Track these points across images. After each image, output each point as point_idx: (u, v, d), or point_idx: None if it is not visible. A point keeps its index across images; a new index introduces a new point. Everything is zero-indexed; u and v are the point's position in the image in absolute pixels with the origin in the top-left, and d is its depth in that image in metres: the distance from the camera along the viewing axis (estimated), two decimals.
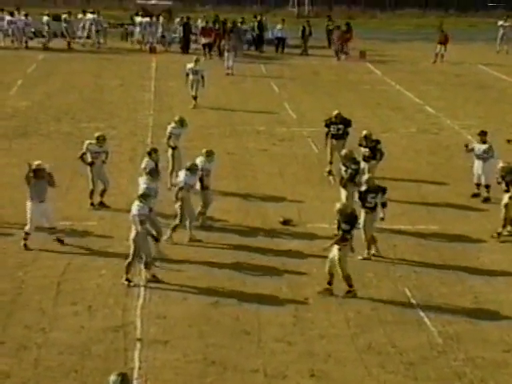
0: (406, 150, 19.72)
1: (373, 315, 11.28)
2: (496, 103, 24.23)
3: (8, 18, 33.20)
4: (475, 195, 16.05)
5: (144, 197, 12.10)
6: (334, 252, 11.66)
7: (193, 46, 33.63)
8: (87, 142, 15.23)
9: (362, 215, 12.98)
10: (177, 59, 31.59)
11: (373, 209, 13.03)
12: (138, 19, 34.45)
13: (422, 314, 11.37)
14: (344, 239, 11.64)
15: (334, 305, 11.52)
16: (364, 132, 16.19)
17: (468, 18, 44.27)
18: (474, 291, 12.11)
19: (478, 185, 16.10)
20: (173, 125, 16.39)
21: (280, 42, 33.84)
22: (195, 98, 23.14)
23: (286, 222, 14.58)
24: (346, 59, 32.02)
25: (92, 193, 15.20)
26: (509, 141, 16.67)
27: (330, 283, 11.77)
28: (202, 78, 22.91)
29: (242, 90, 26.48)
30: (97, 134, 15.38)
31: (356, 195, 13.39)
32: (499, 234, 14.10)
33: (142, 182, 13.22)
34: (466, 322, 11.16)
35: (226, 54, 29.21)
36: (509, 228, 14.17)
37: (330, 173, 17.16)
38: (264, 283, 12.16)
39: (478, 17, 43.55)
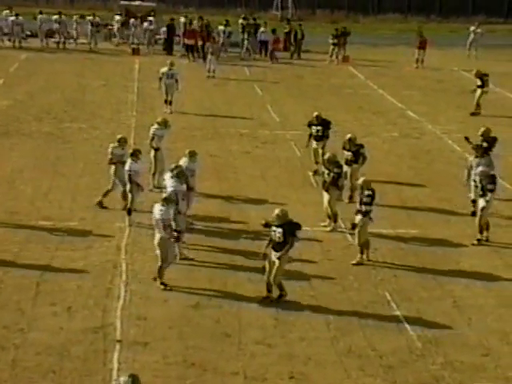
0: (387, 154, 19.82)
1: (353, 318, 11.32)
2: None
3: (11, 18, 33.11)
4: (474, 213, 15.05)
5: (167, 201, 11.99)
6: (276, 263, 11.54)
7: (176, 47, 33.61)
8: (111, 145, 15.22)
9: (357, 219, 13.01)
10: (160, 60, 31.51)
11: (367, 213, 13.03)
12: (117, 18, 34.43)
13: (401, 317, 11.42)
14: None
15: (315, 308, 11.55)
16: (348, 135, 16.25)
17: (449, 24, 44.54)
18: (453, 295, 12.19)
19: (475, 201, 15.04)
20: (156, 126, 16.36)
21: (263, 45, 33.87)
22: (170, 102, 22.84)
23: (267, 225, 14.57)
24: (273, 63, 32.19)
25: (107, 193, 15.13)
26: (466, 138, 16.77)
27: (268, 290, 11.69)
28: (177, 81, 22.69)
29: (226, 93, 26.49)
30: (119, 136, 15.46)
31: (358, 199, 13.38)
32: (479, 241, 14.18)
33: (169, 185, 13.07)
34: (445, 326, 11.23)
35: (208, 56, 29.18)
36: (485, 233, 14.26)
37: (315, 172, 17.25)
38: (245, 285, 12.16)
39: (459, 22, 43.80)
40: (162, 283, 11.91)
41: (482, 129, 16.85)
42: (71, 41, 33.94)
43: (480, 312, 11.69)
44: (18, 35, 33.05)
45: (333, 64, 32.53)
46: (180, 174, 13.15)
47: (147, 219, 14.43)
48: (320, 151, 17.26)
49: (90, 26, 33.40)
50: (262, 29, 33.90)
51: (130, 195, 14.26)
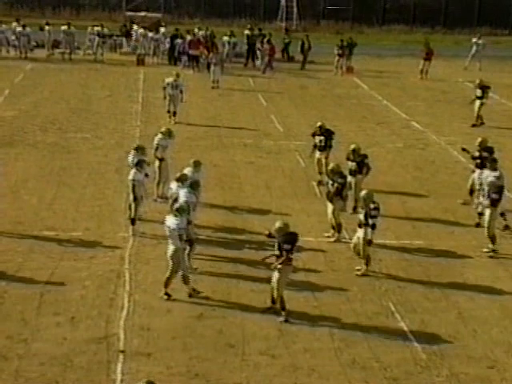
0: (391, 165, 19.80)
1: (357, 330, 11.28)
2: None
3: (18, 29, 33.28)
4: (478, 225, 15.16)
5: (180, 211, 11.91)
6: (275, 274, 11.46)
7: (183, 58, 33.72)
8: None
9: (362, 232, 12.91)
10: (165, 71, 31.61)
11: (374, 225, 12.93)
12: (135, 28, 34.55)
13: (406, 329, 11.37)
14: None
15: (319, 318, 11.51)
16: (352, 146, 16.22)
17: (454, 35, 44.62)
18: (458, 307, 12.14)
19: (481, 214, 14.99)
20: (160, 136, 16.37)
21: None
22: (174, 113, 22.90)
23: (271, 236, 14.55)
24: (264, 73, 32.22)
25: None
26: (464, 149, 16.75)
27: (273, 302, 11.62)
28: (181, 92, 22.75)
29: (230, 103, 26.53)
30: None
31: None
32: (494, 251, 14.06)
33: (183, 195, 13.04)
34: (450, 338, 11.17)
35: (212, 67, 29.25)
36: (490, 246, 14.20)
37: (319, 183, 17.24)
38: (248, 296, 12.13)
39: (464, 34, 43.86)
40: (165, 293, 11.89)
41: (479, 139, 16.79)
42: (78, 51, 34.10)
43: (485, 324, 11.64)
44: (25, 46, 33.22)
45: (337, 75, 32.58)
46: (195, 185, 13.19)
47: (150, 229, 14.45)
48: (323, 161, 17.26)
49: (96, 37, 33.54)
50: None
51: (133, 205, 14.26)
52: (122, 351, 10.36)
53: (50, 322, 11.05)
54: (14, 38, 33.37)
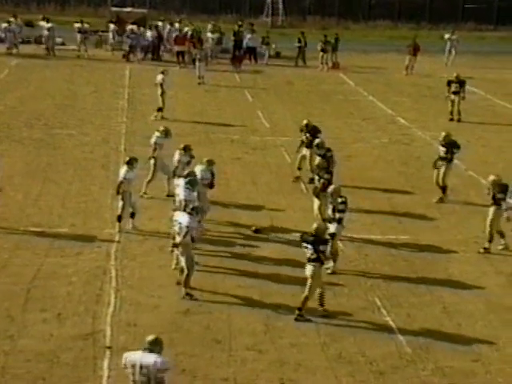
0: (377, 160, 19.87)
1: (343, 324, 11.33)
2: (467, 116, 24.51)
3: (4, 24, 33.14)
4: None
5: (195, 210, 12.30)
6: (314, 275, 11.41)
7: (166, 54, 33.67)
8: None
9: (332, 227, 12.94)
10: (150, 67, 31.56)
11: (341, 220, 13.03)
12: (112, 26, 34.46)
13: (391, 323, 11.44)
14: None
15: (305, 313, 11.54)
16: (316, 141, 16.43)
17: (440, 31, 44.75)
18: (443, 301, 12.22)
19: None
20: (157, 134, 16.36)
21: (251, 52, 33.94)
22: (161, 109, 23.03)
23: (258, 231, 14.61)
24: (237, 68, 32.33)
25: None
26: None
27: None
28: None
29: (217, 99, 26.51)
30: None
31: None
32: (486, 249, 14.10)
33: (182, 192, 13.26)
34: (435, 332, 11.25)
35: (197, 63, 29.23)
36: (502, 241, 14.22)
37: (297, 178, 17.33)
38: (235, 291, 12.15)
39: (449, 29, 44.01)
40: (187, 294, 11.85)
41: (443, 134, 16.93)
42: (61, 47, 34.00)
43: (470, 318, 11.73)
44: (11, 41, 33.00)
45: (323, 71, 32.64)
46: (193, 183, 13.33)
47: (137, 225, 14.44)
48: (308, 158, 17.34)
49: (78, 34, 33.35)
50: (249, 35, 33.98)
51: (120, 202, 14.23)
52: (109, 347, 10.36)
53: (36, 319, 11.04)
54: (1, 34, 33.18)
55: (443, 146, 16.66)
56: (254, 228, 14.67)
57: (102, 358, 10.09)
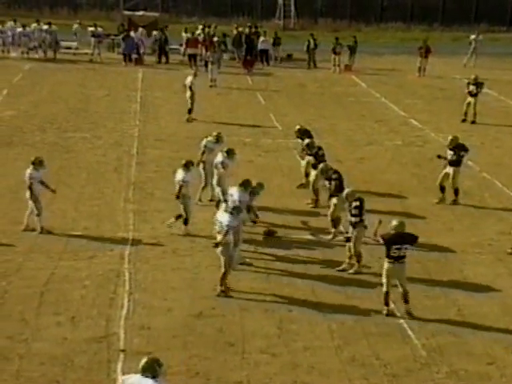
0: (390, 163, 19.81)
1: (357, 327, 11.30)
2: (480, 117, 24.41)
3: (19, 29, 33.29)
4: None
5: (236, 209, 12.31)
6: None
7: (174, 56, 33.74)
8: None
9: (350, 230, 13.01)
10: (163, 70, 31.64)
11: (357, 224, 13.02)
12: (140, 30, 34.54)
13: (405, 326, 11.39)
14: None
15: (318, 316, 11.53)
16: (306, 141, 16.66)
17: (452, 32, 44.62)
18: (457, 304, 12.16)
19: None
20: (209, 139, 16.41)
21: (263, 54, 33.97)
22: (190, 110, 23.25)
23: (269, 233, 14.59)
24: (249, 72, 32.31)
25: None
26: (439, 156, 16.84)
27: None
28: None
29: (229, 102, 26.53)
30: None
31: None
32: None
33: (236, 195, 13.47)
34: (450, 335, 11.19)
35: (209, 66, 29.27)
36: None
37: (301, 185, 17.16)
38: (248, 294, 12.14)
39: (461, 31, 43.86)
40: (222, 291, 11.95)
41: (450, 137, 16.85)
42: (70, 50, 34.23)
43: (484, 320, 11.65)
44: (26, 46, 33.21)
45: (335, 73, 32.60)
46: (256, 191, 13.84)
47: (150, 229, 14.46)
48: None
49: (92, 38, 33.51)
50: (261, 38, 34.06)
51: (181, 206, 14.24)
52: (123, 350, 10.37)
53: (50, 322, 11.06)
54: (12, 38, 33.35)
55: (451, 149, 16.57)
56: (265, 230, 14.65)
57: (116, 361, 10.10)
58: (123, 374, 9.80)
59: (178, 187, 14.19)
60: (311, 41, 33.82)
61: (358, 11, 46.90)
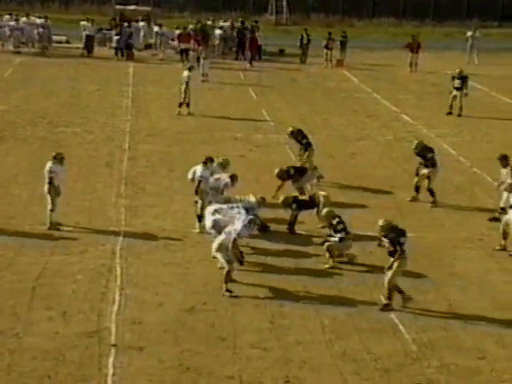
0: (381, 158, 19.85)
1: (348, 322, 11.33)
2: (471, 112, 24.48)
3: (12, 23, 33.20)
4: (494, 219, 15.10)
5: (253, 222, 12.71)
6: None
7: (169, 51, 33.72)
8: None
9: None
10: (154, 65, 31.59)
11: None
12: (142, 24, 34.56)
13: (396, 321, 11.43)
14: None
15: (310, 311, 11.55)
16: (289, 129, 17.29)
17: (444, 28, 44.71)
18: (448, 299, 12.21)
19: (503, 209, 14.87)
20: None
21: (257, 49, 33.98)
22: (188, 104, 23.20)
23: (263, 228, 14.59)
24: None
25: None
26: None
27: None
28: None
29: (221, 97, 26.51)
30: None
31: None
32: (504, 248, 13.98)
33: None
34: (441, 330, 11.23)
35: (201, 61, 29.24)
36: (503, 242, 14.13)
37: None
38: (240, 289, 12.15)
39: (453, 26, 43.98)
40: (227, 290, 11.91)
41: (415, 142, 16.80)
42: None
43: (475, 315, 11.70)
44: (18, 40, 33.09)
45: (328, 68, 32.61)
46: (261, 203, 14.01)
47: (142, 223, 14.45)
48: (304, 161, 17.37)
49: (84, 32, 33.41)
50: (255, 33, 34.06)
51: (199, 202, 14.22)
52: (114, 345, 10.37)
53: (41, 317, 11.05)
54: (8, 32, 33.22)
55: (418, 155, 16.43)
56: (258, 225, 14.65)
57: (108, 356, 10.10)
58: (114, 368, 9.82)
59: (196, 183, 14.26)
60: (304, 36, 33.83)
61: (350, 6, 46.94)
